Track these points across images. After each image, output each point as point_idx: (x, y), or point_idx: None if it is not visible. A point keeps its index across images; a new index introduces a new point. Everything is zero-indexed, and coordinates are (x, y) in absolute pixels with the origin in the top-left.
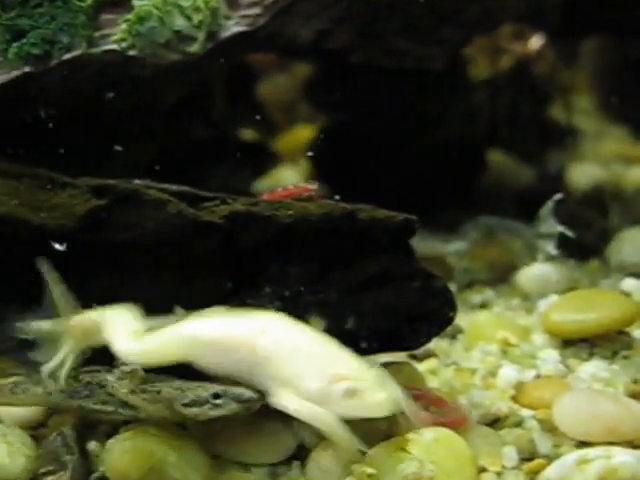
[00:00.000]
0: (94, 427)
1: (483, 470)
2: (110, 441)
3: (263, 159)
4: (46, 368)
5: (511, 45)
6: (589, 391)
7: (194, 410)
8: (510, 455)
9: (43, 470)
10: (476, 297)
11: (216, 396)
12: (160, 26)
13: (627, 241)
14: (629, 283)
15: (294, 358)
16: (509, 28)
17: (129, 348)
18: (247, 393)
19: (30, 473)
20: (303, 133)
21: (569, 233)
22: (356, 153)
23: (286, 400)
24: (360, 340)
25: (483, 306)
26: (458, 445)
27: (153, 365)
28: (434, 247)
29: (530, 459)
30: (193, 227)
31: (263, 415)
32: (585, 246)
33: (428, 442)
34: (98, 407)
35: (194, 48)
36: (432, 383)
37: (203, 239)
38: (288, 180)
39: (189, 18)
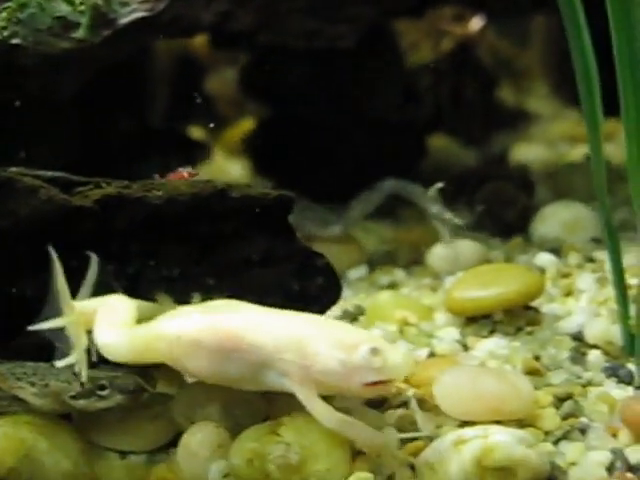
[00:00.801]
0: None
1: (359, 453)
2: None
3: (191, 151)
4: (64, 362)
5: (452, 27)
6: (471, 368)
7: (82, 402)
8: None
9: None
10: (384, 278)
11: (102, 387)
12: (40, 12)
13: (548, 217)
14: (544, 258)
15: (300, 343)
16: (450, 10)
17: (108, 341)
18: (133, 384)
19: None
20: (242, 125)
21: (457, 221)
22: (285, 140)
23: (311, 404)
24: None
25: (391, 287)
26: None
27: (132, 362)
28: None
29: (412, 440)
30: (64, 212)
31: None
32: (508, 224)
33: (299, 425)
34: None
35: (79, 34)
36: None
37: (75, 224)
38: (228, 172)
39: (71, 3)
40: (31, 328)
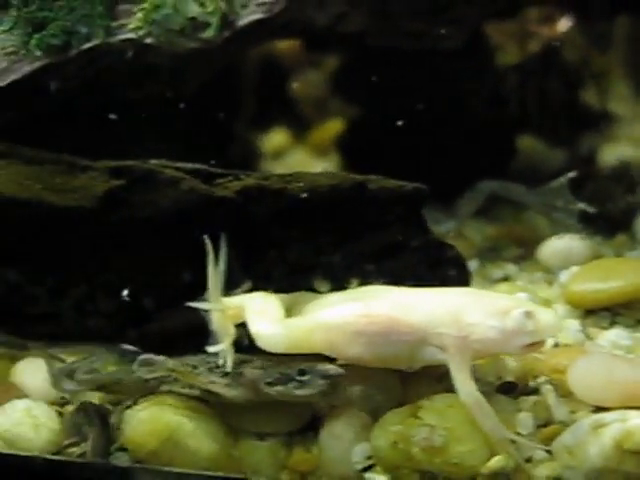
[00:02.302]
0: (120, 402)
1: None
2: (127, 412)
3: None
4: (215, 349)
5: (540, 29)
6: (604, 356)
7: (279, 389)
8: (526, 422)
9: (67, 442)
10: (498, 272)
11: (302, 372)
12: (174, 13)
13: None
14: None
15: (454, 316)
16: (536, 12)
17: (266, 333)
18: (333, 369)
19: (55, 445)
20: (333, 126)
21: (590, 209)
22: (383, 142)
23: (460, 375)
24: None
25: (505, 280)
26: None
27: (293, 352)
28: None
29: (546, 425)
30: (206, 202)
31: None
32: (612, 221)
33: (440, 408)
34: (186, 391)
35: (208, 33)
36: None
37: (217, 214)
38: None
39: (203, 5)
40: (190, 304)
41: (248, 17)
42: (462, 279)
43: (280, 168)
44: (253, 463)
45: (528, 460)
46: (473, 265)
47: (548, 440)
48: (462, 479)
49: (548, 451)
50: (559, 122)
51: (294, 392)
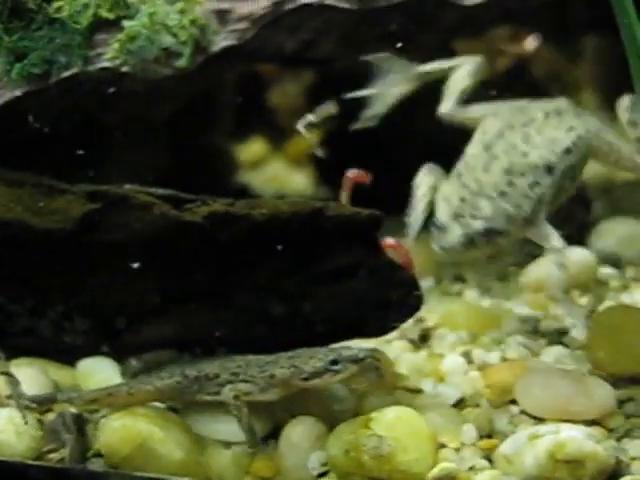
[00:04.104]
0: (97, 411)
1: (442, 446)
2: (102, 421)
3: None
4: None
5: (508, 47)
6: (548, 370)
7: (315, 382)
8: (469, 432)
9: (46, 449)
10: (454, 287)
11: (334, 362)
12: (149, 44)
13: (605, 232)
14: (605, 271)
15: None
16: (506, 30)
17: None
18: (361, 352)
19: (35, 451)
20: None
21: None
22: (349, 153)
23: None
24: (332, 328)
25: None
26: (418, 423)
27: None
28: None
29: (489, 436)
30: (176, 226)
31: None
32: (566, 239)
33: (390, 420)
34: (210, 398)
35: (180, 62)
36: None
37: (185, 238)
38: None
39: (176, 35)
40: None
41: (220, 43)
42: (414, 300)
43: (258, 178)
44: (218, 469)
45: (471, 468)
46: (429, 282)
47: (488, 450)
48: None
49: (489, 460)
50: None
51: (330, 380)
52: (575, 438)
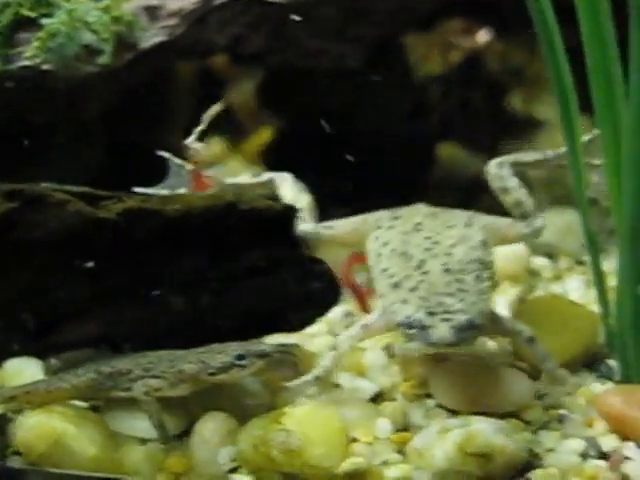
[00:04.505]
0: (21, 410)
1: (354, 441)
2: (19, 419)
3: None
4: None
5: (460, 40)
6: (463, 363)
7: (222, 377)
8: (383, 426)
9: None
10: None
11: (240, 357)
12: (68, 42)
13: None
14: (538, 261)
15: None
16: (458, 23)
17: None
18: (267, 347)
19: None
20: (262, 135)
21: None
22: (298, 150)
23: None
24: (251, 323)
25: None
26: (329, 417)
27: None
28: None
29: (404, 430)
30: (90, 224)
31: None
32: None
33: (300, 415)
34: (124, 394)
35: (102, 60)
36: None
37: (100, 235)
38: None
39: (96, 32)
40: None
41: (150, 40)
42: (333, 293)
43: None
44: (132, 465)
45: (384, 462)
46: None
47: (401, 443)
48: None
49: (402, 454)
50: (480, 129)
51: (236, 375)
52: (484, 431)
